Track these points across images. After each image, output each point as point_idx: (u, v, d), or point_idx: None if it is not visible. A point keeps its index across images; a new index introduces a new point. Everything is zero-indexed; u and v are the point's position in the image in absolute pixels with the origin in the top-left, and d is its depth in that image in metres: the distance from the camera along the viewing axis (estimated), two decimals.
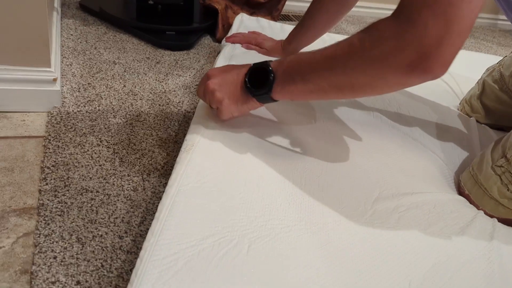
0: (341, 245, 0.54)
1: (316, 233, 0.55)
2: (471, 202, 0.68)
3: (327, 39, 1.21)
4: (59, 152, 0.73)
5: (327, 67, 0.56)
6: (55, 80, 0.83)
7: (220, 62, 0.95)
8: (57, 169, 0.69)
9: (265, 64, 0.63)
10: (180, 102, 0.93)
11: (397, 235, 0.57)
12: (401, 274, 0.51)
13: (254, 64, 0.65)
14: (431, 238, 0.57)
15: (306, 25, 0.99)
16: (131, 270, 0.55)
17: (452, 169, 0.76)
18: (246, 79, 0.64)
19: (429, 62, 0.47)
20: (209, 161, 0.63)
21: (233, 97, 0.65)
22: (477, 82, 0.99)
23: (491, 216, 0.65)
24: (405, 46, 0.47)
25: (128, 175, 0.71)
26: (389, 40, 0.48)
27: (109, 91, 0.91)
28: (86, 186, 0.67)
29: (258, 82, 0.63)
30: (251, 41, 1.07)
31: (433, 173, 0.72)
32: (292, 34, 1.02)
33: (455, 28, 0.45)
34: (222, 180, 0.60)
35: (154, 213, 0.55)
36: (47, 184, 0.66)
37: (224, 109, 0.66)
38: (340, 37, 1.25)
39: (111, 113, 0.85)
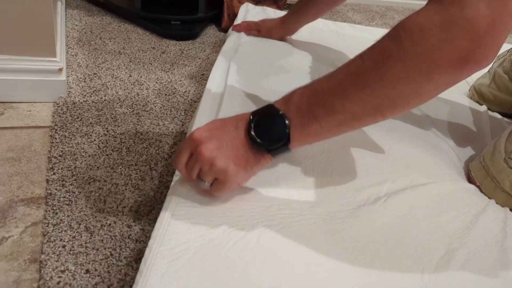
0: (354, 233, 0.53)
1: (328, 221, 0.54)
2: (482, 191, 0.67)
3: (335, 30, 1.20)
4: (66, 142, 0.72)
5: (358, 87, 0.45)
6: (60, 70, 0.82)
7: (225, 52, 0.94)
8: (64, 159, 0.69)
9: (271, 109, 0.50)
10: (186, 91, 0.92)
11: (410, 223, 0.56)
12: (414, 261, 0.50)
13: (255, 112, 0.51)
14: (443, 226, 0.56)
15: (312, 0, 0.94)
16: (140, 259, 0.54)
17: (462, 157, 0.75)
18: (253, 133, 0.50)
19: (483, 49, 0.40)
20: None
21: (239, 161, 0.50)
22: (488, 71, 0.97)
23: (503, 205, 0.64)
24: (454, 35, 0.40)
25: (136, 165, 0.70)
26: (433, 31, 0.41)
27: (115, 81, 0.91)
28: (93, 175, 0.67)
29: (269, 132, 0.49)
30: (252, 26, 1.03)
31: (443, 162, 0.71)
32: (296, 9, 0.97)
33: (510, 7, 0.40)
34: None
35: (162, 202, 0.54)
36: (54, 173, 0.66)
37: (230, 179, 0.50)
38: (348, 27, 1.24)
39: (117, 103, 0.84)
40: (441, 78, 0.43)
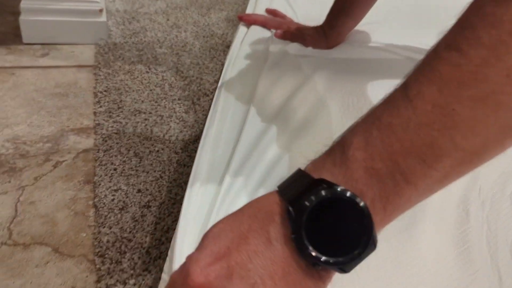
0: None
1: None
2: None
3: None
4: (110, 79, 0.73)
5: (472, 101, 0.25)
6: (101, 11, 0.83)
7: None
8: (109, 94, 0.70)
9: (322, 188, 0.26)
10: (224, 34, 0.91)
11: None
12: (471, 180, 0.49)
13: (292, 198, 0.26)
14: None
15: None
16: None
17: None
18: (314, 253, 0.25)
19: None
20: None
21: None
22: None
23: None
24: None
25: (179, 99, 0.71)
26: None
27: (153, 24, 0.91)
28: (138, 108, 0.67)
29: (337, 238, 0.26)
30: (281, 26, 0.75)
31: None
32: (334, 15, 0.70)
33: None
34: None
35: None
36: (101, 106, 0.67)
37: None
38: None
39: (157, 44, 0.84)
40: None
